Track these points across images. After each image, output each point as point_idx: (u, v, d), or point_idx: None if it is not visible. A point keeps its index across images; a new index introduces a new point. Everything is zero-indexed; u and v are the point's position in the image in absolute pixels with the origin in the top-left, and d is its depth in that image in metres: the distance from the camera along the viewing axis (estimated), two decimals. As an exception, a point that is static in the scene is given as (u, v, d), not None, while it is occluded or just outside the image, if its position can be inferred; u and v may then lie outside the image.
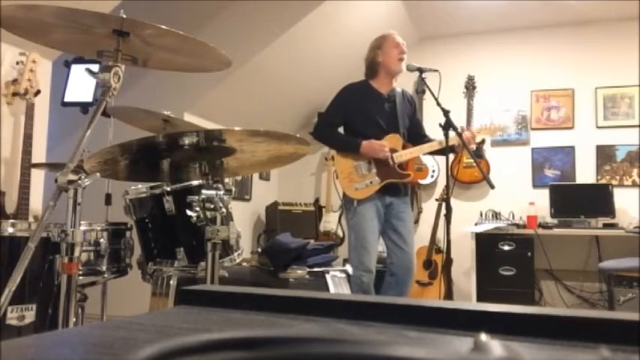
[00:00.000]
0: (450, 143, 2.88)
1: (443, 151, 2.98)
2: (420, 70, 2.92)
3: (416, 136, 3.14)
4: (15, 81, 2.71)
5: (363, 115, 3.01)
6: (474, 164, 4.51)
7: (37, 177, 2.83)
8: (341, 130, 3.13)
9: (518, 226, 4.51)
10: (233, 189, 1.70)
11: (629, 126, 4.70)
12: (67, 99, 2.94)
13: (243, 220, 4.97)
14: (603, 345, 0.31)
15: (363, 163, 2.99)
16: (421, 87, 5.07)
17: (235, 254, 2.12)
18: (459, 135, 2.80)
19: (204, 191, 1.60)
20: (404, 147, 3.04)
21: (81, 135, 1.45)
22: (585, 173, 4.78)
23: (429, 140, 3.10)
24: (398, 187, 3.01)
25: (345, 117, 3.05)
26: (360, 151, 2.93)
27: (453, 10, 4.74)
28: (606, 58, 4.79)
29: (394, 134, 3.02)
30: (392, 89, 3.09)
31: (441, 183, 4.92)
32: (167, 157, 1.68)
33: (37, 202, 2.86)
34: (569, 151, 4.85)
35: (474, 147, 2.98)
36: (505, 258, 4.38)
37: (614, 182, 4.62)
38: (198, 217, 1.59)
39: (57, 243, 1.43)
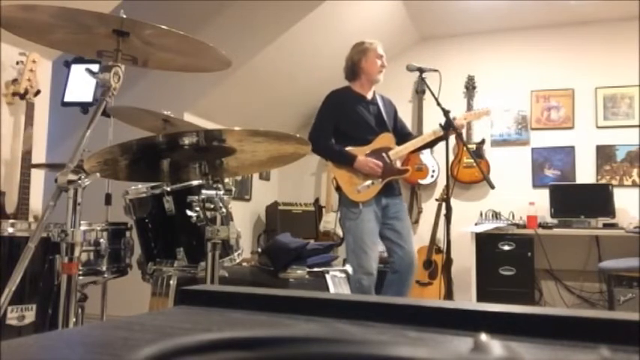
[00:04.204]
0: (437, 136, 2.98)
1: (435, 143, 3.04)
2: (420, 70, 2.94)
3: (402, 135, 3.18)
4: (15, 81, 2.71)
5: (352, 119, 3.05)
6: (474, 164, 4.51)
7: (37, 177, 2.83)
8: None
9: (518, 226, 4.51)
10: (233, 189, 1.70)
11: (629, 126, 4.70)
12: (67, 99, 2.94)
13: (243, 220, 4.97)
14: (603, 345, 0.31)
15: None
16: (421, 87, 5.07)
17: (235, 254, 2.12)
18: (455, 129, 2.85)
19: (204, 191, 1.60)
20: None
21: (81, 135, 1.45)
22: (585, 173, 4.78)
23: (417, 137, 3.16)
24: (392, 186, 3.05)
25: (335, 123, 3.06)
26: (354, 166, 2.95)
27: (453, 10, 4.74)
28: (606, 58, 4.79)
29: (386, 133, 3.07)
30: (373, 92, 3.15)
31: (441, 183, 4.91)
32: (167, 157, 1.67)
33: (37, 202, 2.86)
34: (569, 151, 4.85)
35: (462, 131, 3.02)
36: (505, 258, 4.38)
37: (614, 182, 4.62)
38: (198, 217, 1.59)
39: (57, 243, 1.43)
